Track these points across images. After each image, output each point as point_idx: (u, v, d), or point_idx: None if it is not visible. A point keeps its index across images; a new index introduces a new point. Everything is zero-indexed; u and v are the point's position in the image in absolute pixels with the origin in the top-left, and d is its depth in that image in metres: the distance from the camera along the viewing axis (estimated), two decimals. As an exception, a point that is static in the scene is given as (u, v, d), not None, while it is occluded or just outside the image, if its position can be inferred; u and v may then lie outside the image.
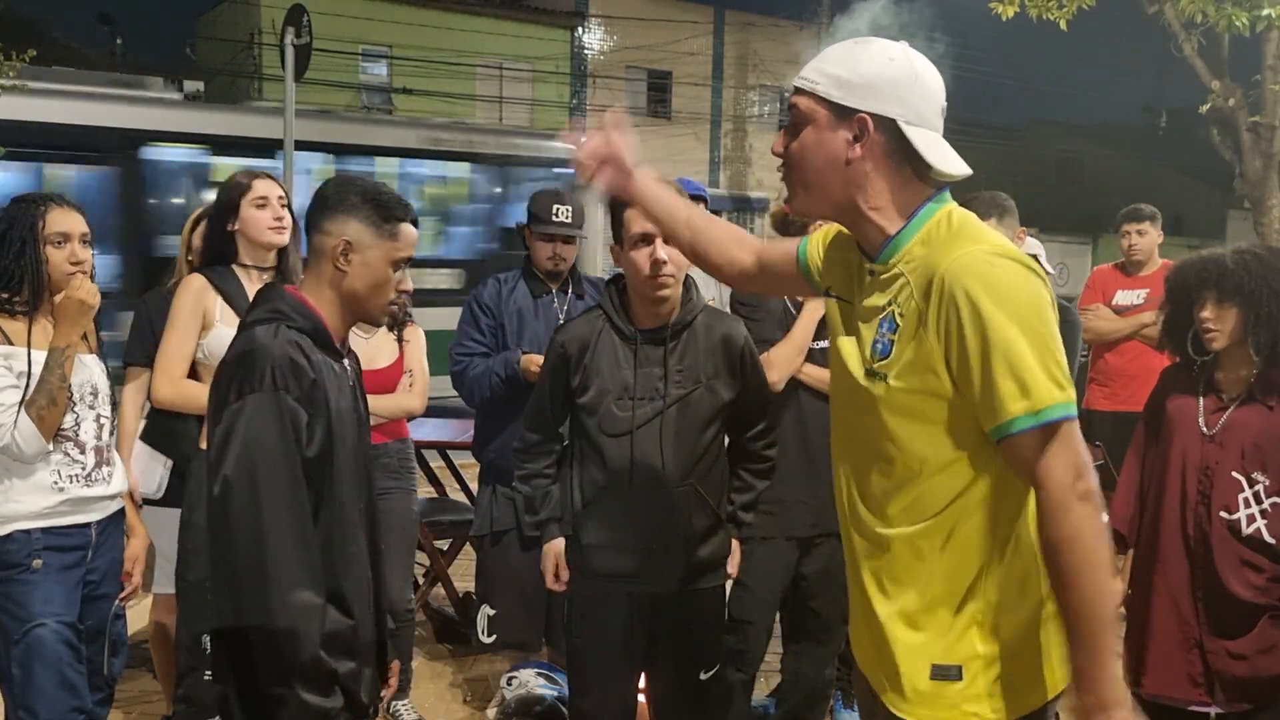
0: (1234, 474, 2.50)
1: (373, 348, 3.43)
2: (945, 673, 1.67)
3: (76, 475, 2.60)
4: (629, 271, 2.58)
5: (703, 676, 2.70)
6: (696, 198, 3.08)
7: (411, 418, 3.68)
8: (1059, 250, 21.23)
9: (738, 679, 3.08)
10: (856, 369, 1.74)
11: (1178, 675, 2.54)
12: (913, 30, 1.76)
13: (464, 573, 4.65)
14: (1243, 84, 9.34)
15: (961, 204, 1.74)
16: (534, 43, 21.57)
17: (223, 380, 1.85)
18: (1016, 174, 24.99)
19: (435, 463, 5.35)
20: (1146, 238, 5.21)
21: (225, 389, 1.83)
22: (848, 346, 1.78)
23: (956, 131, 1.70)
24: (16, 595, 2.50)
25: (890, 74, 1.64)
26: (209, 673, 1.82)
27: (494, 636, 3.54)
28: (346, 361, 2.03)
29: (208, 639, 1.92)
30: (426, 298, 4.45)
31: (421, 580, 4.50)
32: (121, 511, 2.78)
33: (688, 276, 2.64)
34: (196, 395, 2.85)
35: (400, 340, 3.57)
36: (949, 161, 1.67)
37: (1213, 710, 2.54)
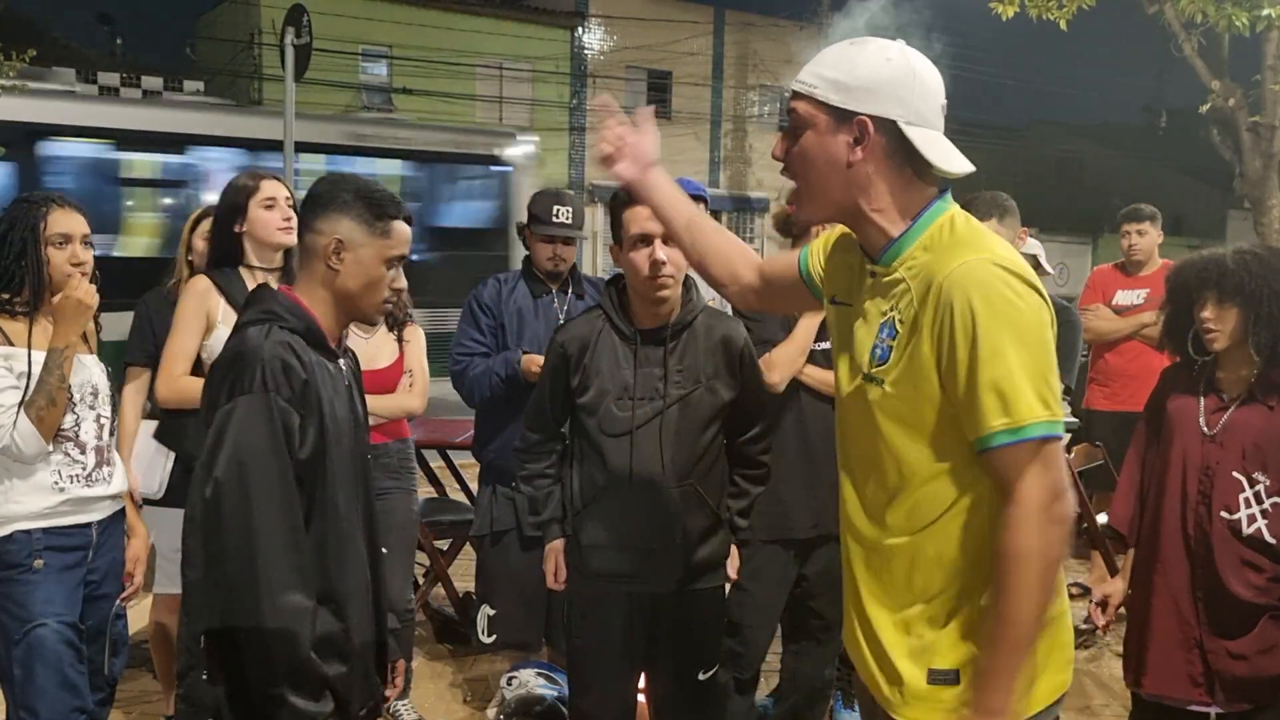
0: (1235, 474, 2.50)
1: (373, 348, 3.43)
2: (944, 677, 1.67)
3: (77, 475, 2.60)
4: (628, 272, 2.58)
5: (702, 677, 2.70)
6: (696, 198, 3.08)
7: (412, 418, 3.68)
8: (1059, 250, 21.26)
9: (738, 679, 3.09)
10: (855, 373, 1.74)
11: (1178, 675, 2.54)
12: (913, 30, 1.76)
13: (464, 573, 4.65)
14: (1243, 84, 9.35)
15: (962, 205, 1.74)
16: (534, 43, 21.57)
17: (215, 382, 1.85)
18: (1016, 174, 24.98)
19: (435, 463, 5.35)
20: (1146, 238, 5.21)
21: (217, 391, 1.83)
22: (848, 351, 1.78)
23: (956, 132, 1.70)
24: (17, 595, 2.50)
25: (888, 74, 1.63)
26: (206, 673, 1.81)
27: (494, 636, 3.54)
28: (342, 361, 2.02)
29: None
30: None
31: (421, 580, 4.50)
32: (122, 511, 2.78)
33: (687, 277, 2.64)
34: (194, 392, 2.85)
35: (400, 340, 3.57)
36: (950, 160, 1.66)
37: (1213, 710, 2.55)
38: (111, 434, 2.74)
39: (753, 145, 24.51)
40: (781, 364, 2.95)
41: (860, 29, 1.74)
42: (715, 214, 2.35)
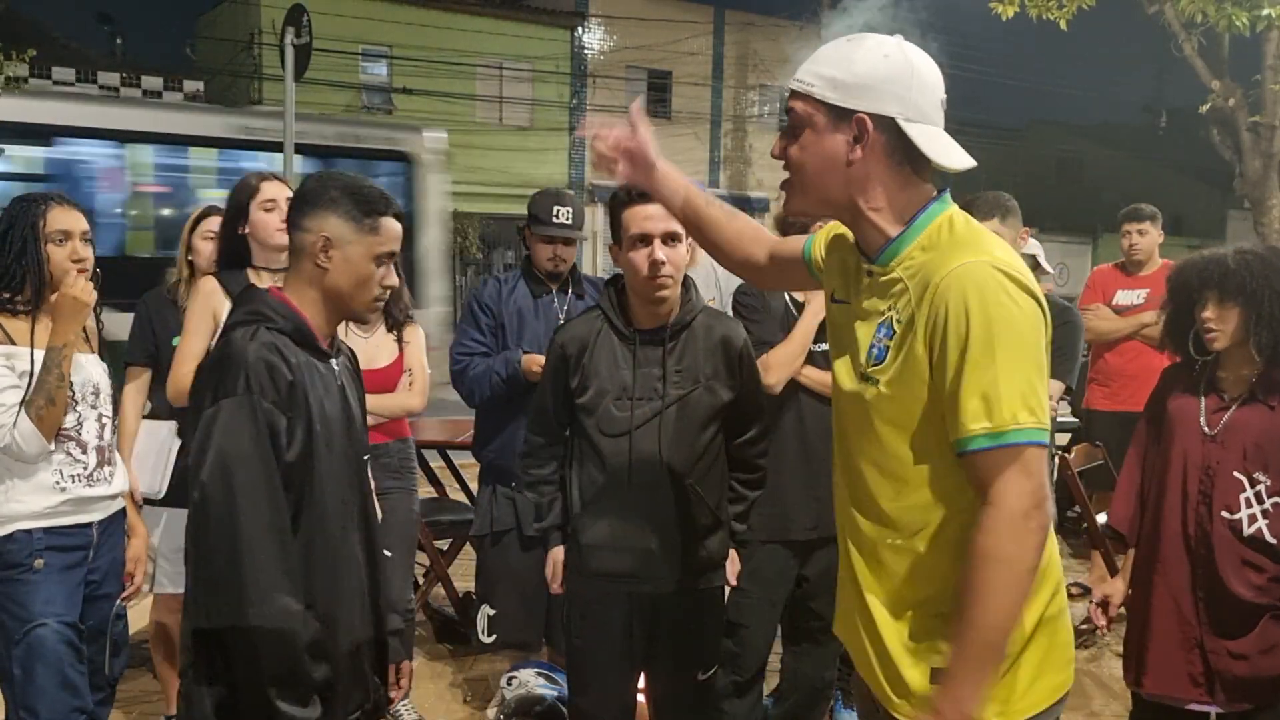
0: (1235, 474, 2.50)
1: (372, 347, 3.43)
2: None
3: (78, 475, 2.60)
4: (627, 272, 2.58)
5: (701, 677, 2.70)
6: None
7: (412, 417, 3.68)
8: (1059, 250, 21.24)
9: (737, 680, 3.08)
10: (852, 373, 1.73)
11: (1178, 675, 2.54)
12: (912, 30, 1.75)
13: (464, 573, 4.64)
14: (1243, 84, 9.36)
15: (964, 205, 1.73)
16: (534, 43, 21.57)
17: (200, 386, 1.85)
18: (1016, 174, 24.95)
19: (435, 463, 5.35)
20: (1147, 237, 5.21)
21: (202, 394, 1.83)
22: (845, 351, 1.77)
23: (956, 131, 1.69)
24: (18, 595, 2.50)
25: (886, 71, 1.62)
26: (192, 671, 1.81)
27: (494, 636, 3.54)
28: (334, 361, 2.00)
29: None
30: None
31: (421, 580, 4.50)
32: (123, 511, 2.78)
33: (686, 277, 2.64)
34: None
35: (400, 340, 3.57)
36: (951, 155, 1.65)
37: (1213, 710, 2.55)
38: (113, 433, 2.74)
39: (753, 145, 24.51)
40: (778, 365, 2.95)
41: (860, 29, 1.73)
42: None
